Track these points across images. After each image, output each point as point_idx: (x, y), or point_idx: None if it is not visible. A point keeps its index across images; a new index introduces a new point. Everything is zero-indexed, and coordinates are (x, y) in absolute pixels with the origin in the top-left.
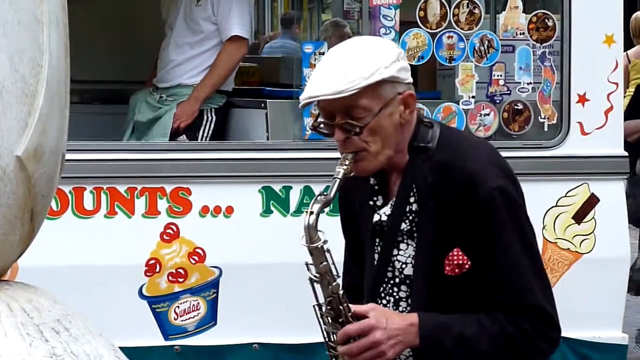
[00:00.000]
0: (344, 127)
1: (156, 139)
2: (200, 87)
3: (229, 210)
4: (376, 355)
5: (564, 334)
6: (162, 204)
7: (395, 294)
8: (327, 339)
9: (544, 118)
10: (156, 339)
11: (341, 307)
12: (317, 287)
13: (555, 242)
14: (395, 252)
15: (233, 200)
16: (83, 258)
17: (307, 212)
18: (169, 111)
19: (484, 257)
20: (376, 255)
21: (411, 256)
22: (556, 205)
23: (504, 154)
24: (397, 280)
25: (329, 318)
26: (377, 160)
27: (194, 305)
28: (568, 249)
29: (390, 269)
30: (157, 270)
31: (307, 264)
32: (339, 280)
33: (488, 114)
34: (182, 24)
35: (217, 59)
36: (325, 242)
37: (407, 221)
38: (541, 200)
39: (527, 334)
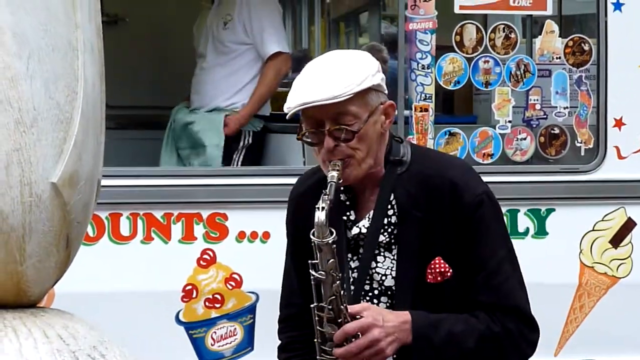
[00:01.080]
0: (335, 134)
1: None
2: (250, 102)
3: (266, 235)
4: (375, 353)
5: (601, 358)
6: (199, 230)
7: (375, 305)
8: (321, 343)
9: (581, 142)
10: None
11: (341, 307)
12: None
13: (592, 267)
14: (373, 264)
15: (270, 226)
16: (119, 284)
17: (318, 208)
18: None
19: (470, 261)
20: (350, 271)
21: (390, 268)
22: (593, 230)
23: (540, 178)
24: (376, 292)
25: (327, 319)
26: (361, 168)
27: (230, 331)
28: (605, 273)
29: (368, 281)
30: (194, 295)
31: (311, 263)
32: (339, 281)
33: (525, 139)
34: (211, 47)
35: (263, 74)
36: (334, 239)
37: (385, 233)
38: (578, 224)
39: (511, 333)
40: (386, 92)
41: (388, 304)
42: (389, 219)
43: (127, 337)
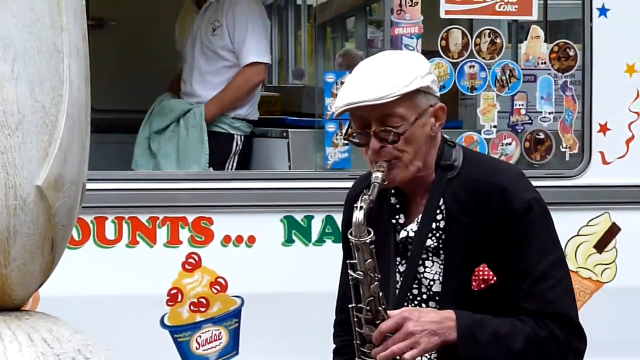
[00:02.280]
0: (380, 136)
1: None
2: (208, 106)
3: (251, 239)
4: (410, 345)
5: None
6: (184, 234)
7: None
8: (360, 345)
9: (566, 147)
10: None
11: (380, 308)
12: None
13: (577, 272)
14: (421, 269)
15: (255, 230)
16: (104, 288)
17: (356, 207)
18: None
19: (517, 267)
20: (397, 274)
21: (438, 273)
22: (577, 235)
23: None
24: (424, 296)
25: (366, 320)
26: (408, 170)
27: (215, 334)
28: (589, 278)
29: (416, 285)
30: (179, 299)
31: (350, 263)
32: (377, 282)
33: (510, 144)
34: (200, 54)
35: (232, 81)
36: (372, 239)
37: (433, 238)
38: (562, 229)
39: (558, 340)
40: (438, 94)
41: (436, 309)
42: (438, 224)
43: (112, 341)
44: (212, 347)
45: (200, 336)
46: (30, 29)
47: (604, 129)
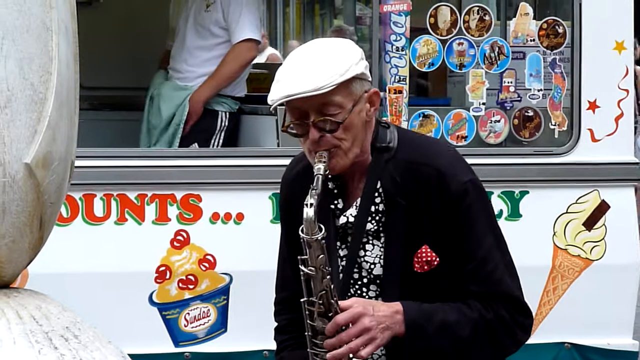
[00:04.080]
0: (319, 125)
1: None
2: (203, 86)
3: (240, 217)
4: (366, 341)
5: (575, 341)
6: (173, 211)
7: (364, 294)
8: (312, 336)
9: (555, 125)
10: (166, 346)
11: (332, 301)
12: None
13: (566, 249)
14: (362, 253)
15: (243, 207)
16: (93, 265)
17: (306, 205)
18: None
19: (458, 250)
20: (339, 259)
21: (378, 256)
22: (567, 212)
23: (514, 160)
24: (365, 280)
25: (318, 313)
26: (347, 157)
27: (204, 312)
28: (579, 255)
29: (356, 269)
30: (168, 277)
31: (301, 259)
32: (329, 277)
33: (498, 121)
34: (192, 30)
35: (224, 59)
36: (324, 235)
37: (373, 222)
38: (552, 207)
39: (504, 320)
40: (370, 79)
41: (377, 293)
42: (377, 207)
43: (100, 318)
44: (200, 324)
45: (188, 313)
46: (20, 7)
47: (593, 106)
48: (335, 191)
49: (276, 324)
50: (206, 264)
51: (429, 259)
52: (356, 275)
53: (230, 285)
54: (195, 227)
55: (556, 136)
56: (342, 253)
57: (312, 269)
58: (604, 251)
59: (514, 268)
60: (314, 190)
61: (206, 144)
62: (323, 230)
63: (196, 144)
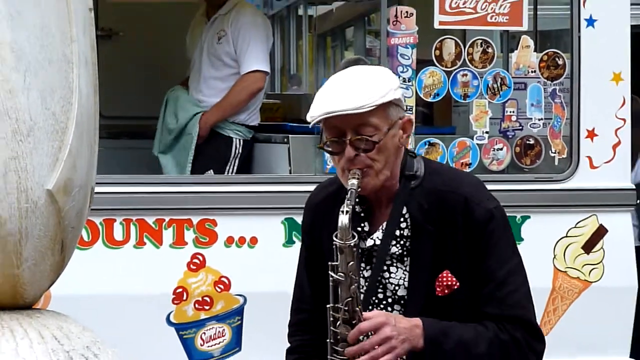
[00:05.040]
0: (356, 144)
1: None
2: (212, 111)
3: (253, 240)
4: (387, 350)
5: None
6: (189, 235)
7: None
8: (333, 343)
9: (555, 152)
10: None
11: (356, 309)
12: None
13: (565, 271)
14: (386, 275)
15: (257, 231)
16: (113, 287)
17: (342, 212)
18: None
19: (479, 273)
20: (362, 279)
21: (402, 278)
22: (566, 236)
23: (516, 187)
24: (389, 300)
25: (343, 320)
26: (378, 178)
27: (219, 331)
28: (578, 277)
29: (381, 290)
30: (184, 298)
31: (331, 265)
32: (357, 284)
33: (501, 149)
34: (206, 61)
35: (233, 88)
36: (356, 242)
37: (397, 245)
38: (552, 231)
39: (519, 343)
40: (405, 107)
41: (400, 312)
42: (402, 232)
43: (119, 338)
44: (216, 344)
45: (204, 333)
46: (42, 41)
47: (591, 134)
48: (362, 215)
49: (289, 344)
50: (221, 286)
51: (449, 283)
52: (381, 296)
53: (244, 306)
54: (211, 251)
55: (556, 163)
56: (366, 274)
57: (342, 274)
58: (602, 273)
59: (531, 295)
60: (348, 201)
61: (221, 170)
62: (356, 237)
63: (211, 170)
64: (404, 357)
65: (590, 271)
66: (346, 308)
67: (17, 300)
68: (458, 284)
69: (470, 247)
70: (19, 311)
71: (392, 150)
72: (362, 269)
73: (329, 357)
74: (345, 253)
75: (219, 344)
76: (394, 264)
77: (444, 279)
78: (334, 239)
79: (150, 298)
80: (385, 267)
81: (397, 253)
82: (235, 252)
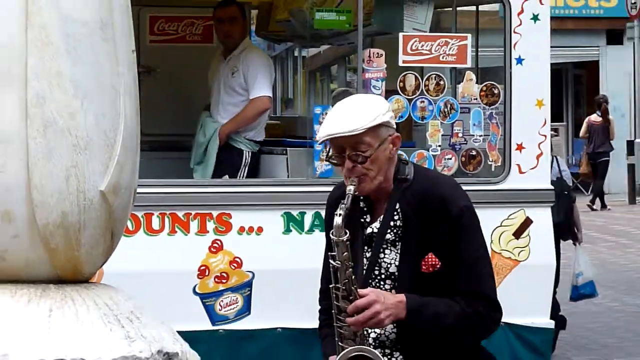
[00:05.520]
0: (353, 158)
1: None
2: (227, 124)
3: (260, 229)
4: (376, 322)
5: (507, 320)
6: (210, 225)
7: (381, 286)
8: (337, 313)
9: (492, 161)
10: (205, 325)
11: (352, 288)
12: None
13: (500, 253)
14: (382, 255)
15: (262, 222)
16: (151, 266)
17: (337, 214)
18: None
19: (454, 257)
20: (364, 259)
21: (394, 259)
22: (501, 225)
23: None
24: (383, 276)
25: (342, 296)
26: (372, 183)
27: (233, 299)
28: (510, 257)
29: (377, 268)
30: (206, 274)
31: (330, 255)
32: (351, 269)
33: (450, 159)
34: (223, 90)
35: (244, 108)
36: (348, 238)
37: (391, 233)
38: (490, 221)
39: (481, 315)
40: (394, 127)
41: (391, 286)
42: (395, 222)
43: (156, 305)
44: (231, 309)
45: (222, 301)
46: (97, 78)
47: (520, 147)
48: (365, 209)
49: (319, 307)
50: (235, 264)
51: (433, 262)
52: (377, 272)
53: (253, 280)
54: (227, 237)
55: (493, 169)
56: (367, 255)
57: (339, 263)
58: (528, 254)
59: (493, 274)
60: (343, 205)
61: (234, 175)
62: (347, 234)
63: (227, 175)
64: (393, 324)
65: (519, 252)
66: (344, 287)
67: (76, 276)
68: (440, 264)
69: (447, 236)
70: (78, 284)
71: (384, 161)
72: (365, 251)
73: (334, 324)
74: (340, 246)
75: (233, 309)
76: (388, 248)
77: (429, 260)
78: (331, 235)
79: (180, 274)
80: (381, 250)
81: (391, 239)
82: (246, 238)
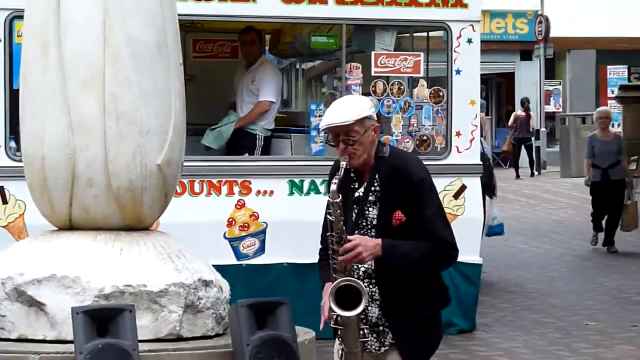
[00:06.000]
0: (345, 141)
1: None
2: (241, 119)
3: (271, 192)
4: (359, 260)
5: None
6: (236, 189)
7: (368, 234)
8: (332, 254)
9: (438, 144)
10: (232, 260)
11: (343, 235)
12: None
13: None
14: (366, 212)
15: (273, 187)
16: (194, 218)
17: (333, 182)
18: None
19: (417, 213)
20: (354, 214)
21: (375, 214)
22: (444, 190)
23: None
24: (369, 226)
25: (336, 241)
26: (359, 159)
27: (252, 242)
28: (450, 212)
29: (363, 221)
30: (233, 224)
31: (327, 212)
32: (342, 222)
33: (408, 142)
34: (245, 93)
35: (253, 108)
36: (341, 200)
37: (372, 196)
38: (438, 187)
39: (440, 252)
40: (375, 119)
41: (373, 234)
42: (375, 188)
43: (198, 246)
44: (250, 249)
45: (244, 243)
46: (154, 82)
47: (458, 134)
48: (354, 178)
49: (320, 247)
50: (253, 217)
51: (400, 218)
52: (364, 224)
53: (266, 228)
54: (248, 198)
55: (438, 150)
56: (356, 211)
57: (334, 217)
58: (463, 211)
59: (449, 224)
60: (337, 176)
61: (252, 153)
62: (340, 197)
63: (247, 153)
64: (372, 262)
65: (457, 209)
66: (337, 235)
67: (140, 225)
68: (405, 218)
69: (411, 199)
70: (141, 231)
71: (368, 144)
72: (353, 208)
73: (330, 261)
74: (334, 206)
75: (252, 249)
76: (371, 206)
77: (397, 215)
78: (328, 198)
79: (214, 224)
80: (366, 208)
81: (372, 200)
82: (261, 199)
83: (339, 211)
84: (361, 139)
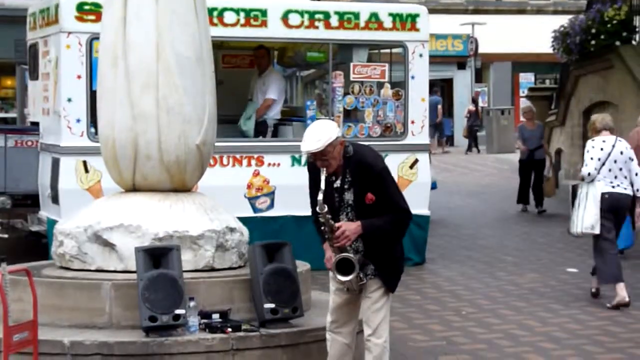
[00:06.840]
0: (320, 159)
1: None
2: (255, 112)
3: (279, 164)
4: (348, 240)
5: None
6: (253, 162)
7: (347, 212)
8: (328, 240)
9: (398, 130)
10: (250, 213)
11: (333, 228)
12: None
13: (402, 176)
14: (345, 197)
15: (280, 160)
16: (223, 183)
17: (320, 190)
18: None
19: (382, 193)
20: (336, 200)
21: (350, 197)
22: (402, 162)
23: (383, 143)
24: (348, 207)
25: (329, 229)
26: (332, 166)
27: (265, 200)
28: (408, 179)
29: (343, 203)
30: (251, 187)
31: (316, 216)
32: (331, 221)
33: (377, 129)
34: (259, 92)
35: (262, 103)
36: (327, 211)
37: (346, 185)
38: (397, 160)
39: (402, 220)
40: (340, 135)
41: (352, 213)
42: (347, 179)
43: (225, 203)
44: (263, 205)
45: (259, 200)
46: (194, 85)
47: (412, 122)
48: (333, 177)
49: (313, 208)
50: (266, 182)
51: (371, 197)
52: (344, 205)
53: (275, 190)
54: (262, 168)
55: (399, 134)
56: (337, 198)
57: (324, 220)
58: (416, 177)
59: (404, 198)
60: (322, 188)
61: (265, 136)
62: (326, 208)
63: (261, 136)
64: (358, 239)
65: (412, 176)
66: (329, 229)
67: (184, 188)
68: (375, 198)
69: (375, 185)
70: (184, 192)
71: (337, 155)
72: (336, 196)
73: (328, 242)
74: (323, 212)
75: (265, 205)
76: (347, 192)
77: (368, 196)
78: (317, 209)
79: (237, 187)
80: (344, 194)
81: (347, 187)
82: (271, 169)
83: (327, 216)
84: (332, 154)
